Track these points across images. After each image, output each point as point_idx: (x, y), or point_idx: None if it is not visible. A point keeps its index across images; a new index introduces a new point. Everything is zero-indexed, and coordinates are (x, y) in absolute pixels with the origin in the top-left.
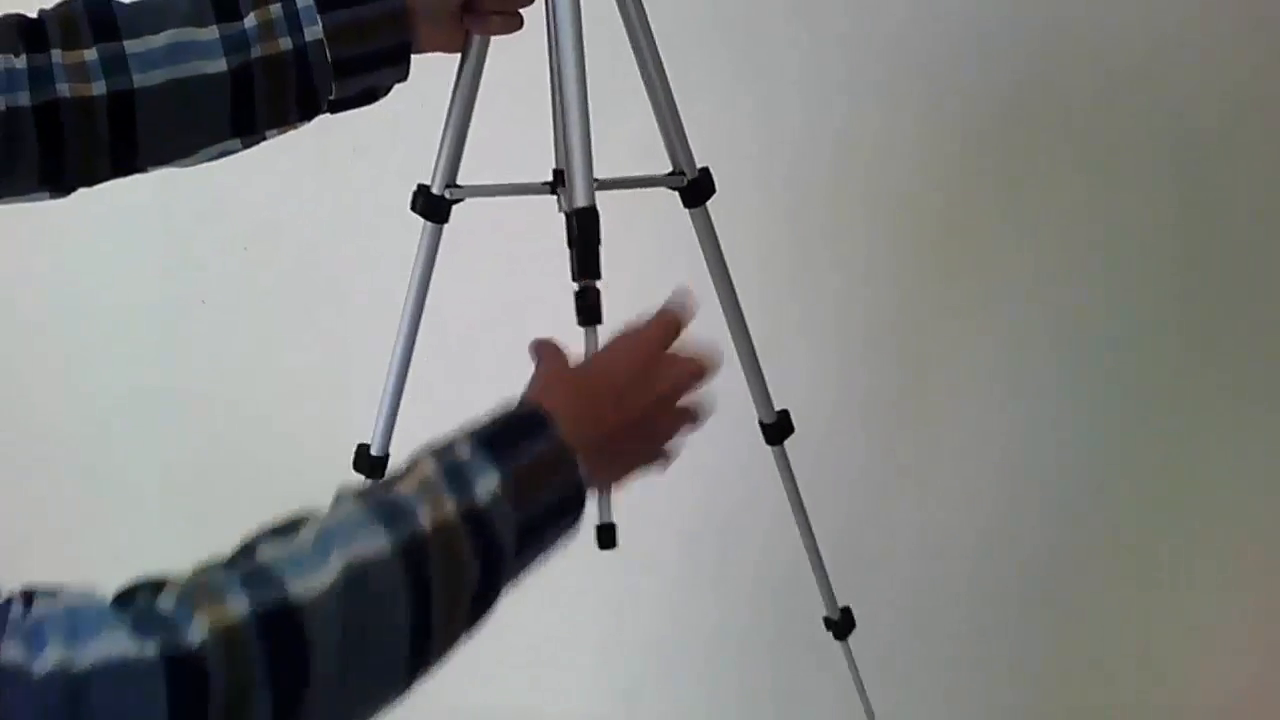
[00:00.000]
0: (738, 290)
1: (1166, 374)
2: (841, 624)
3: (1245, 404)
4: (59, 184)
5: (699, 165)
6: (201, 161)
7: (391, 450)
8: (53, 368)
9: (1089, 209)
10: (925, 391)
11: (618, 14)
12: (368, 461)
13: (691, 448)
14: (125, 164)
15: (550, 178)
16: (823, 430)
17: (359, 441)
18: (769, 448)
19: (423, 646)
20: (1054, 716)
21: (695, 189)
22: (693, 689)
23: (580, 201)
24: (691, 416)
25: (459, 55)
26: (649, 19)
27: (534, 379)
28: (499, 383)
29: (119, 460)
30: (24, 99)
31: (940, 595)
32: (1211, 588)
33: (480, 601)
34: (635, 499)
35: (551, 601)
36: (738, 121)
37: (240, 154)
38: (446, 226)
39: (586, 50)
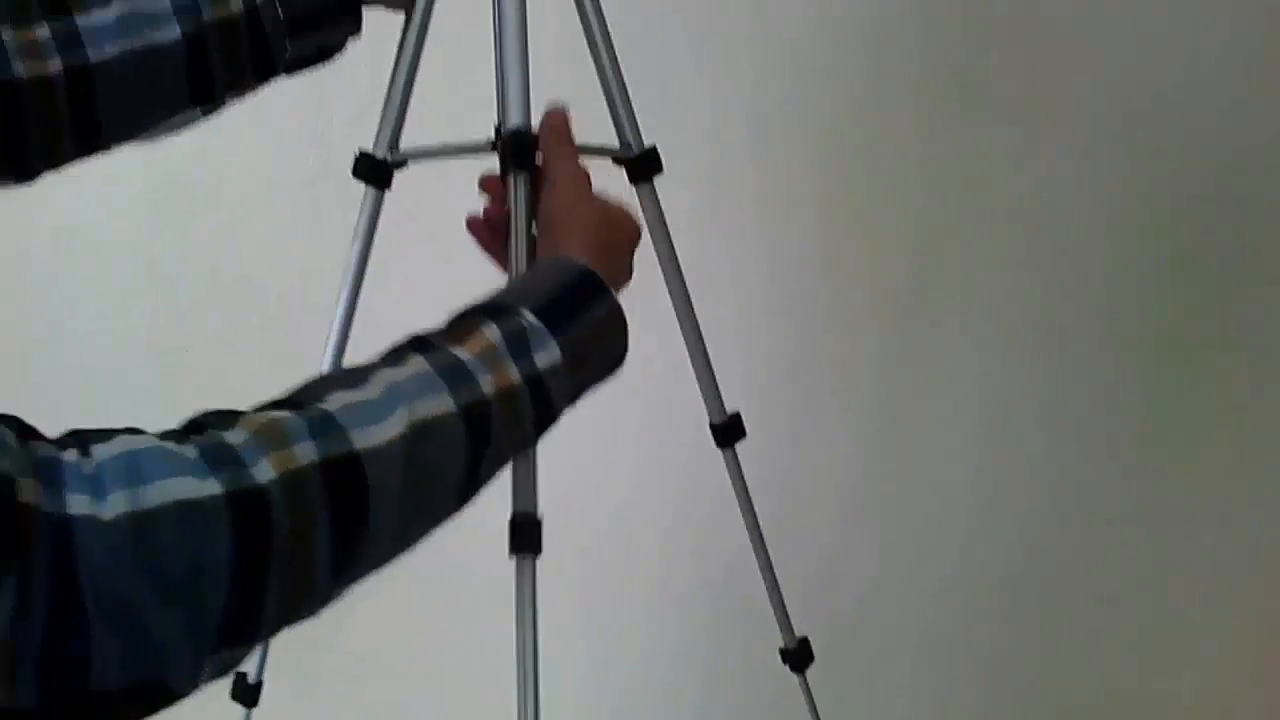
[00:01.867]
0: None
1: (1151, 402)
2: (799, 654)
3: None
4: (23, 169)
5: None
6: (164, 134)
7: None
8: (38, 415)
9: (1072, 209)
10: (893, 396)
11: None
12: None
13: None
14: (89, 143)
15: (493, 135)
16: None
17: None
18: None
19: (468, 490)
20: None
21: (641, 164)
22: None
23: (514, 120)
24: None
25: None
26: None
27: (556, 223)
28: None
29: None
30: None
31: (905, 623)
32: (1192, 636)
33: (525, 449)
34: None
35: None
36: (691, 105)
37: (228, 206)
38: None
39: (536, 15)
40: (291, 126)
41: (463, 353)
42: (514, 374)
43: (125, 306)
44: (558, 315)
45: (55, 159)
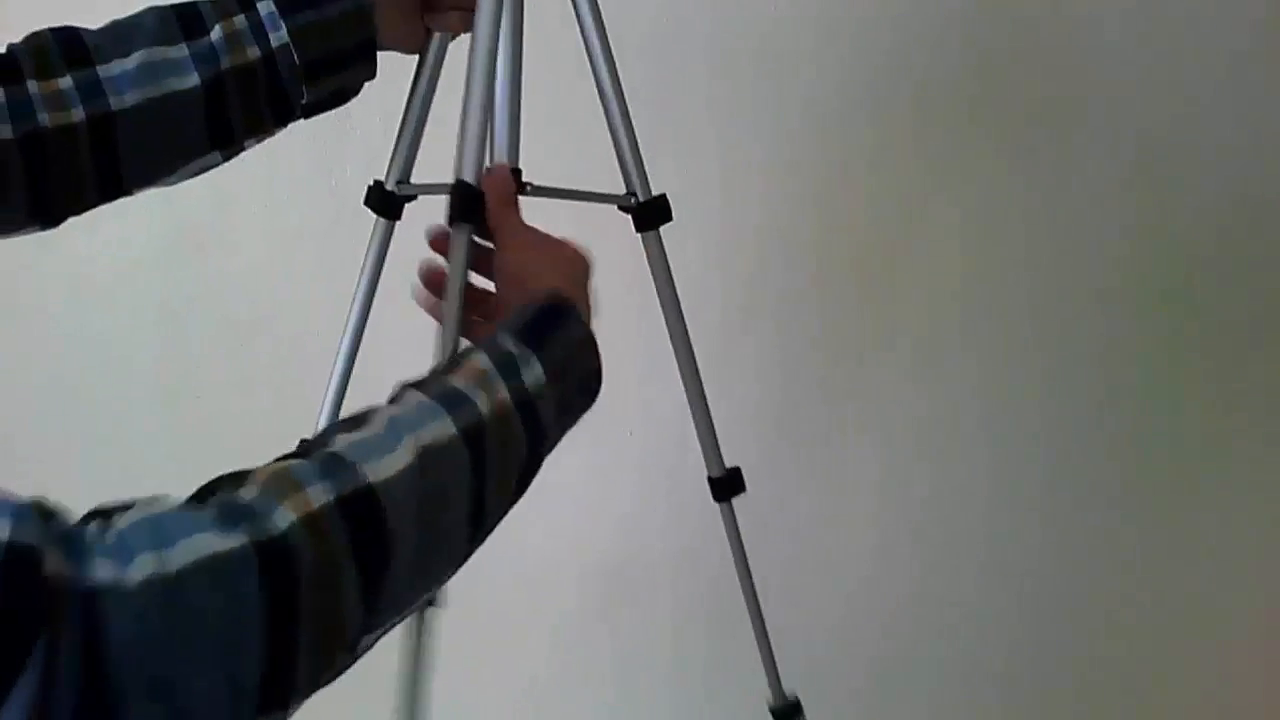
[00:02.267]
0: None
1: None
2: (788, 714)
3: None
4: (48, 215)
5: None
6: (185, 178)
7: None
8: (47, 462)
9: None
10: (888, 446)
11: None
12: None
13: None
14: (111, 188)
15: None
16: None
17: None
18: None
19: (479, 518)
20: None
21: (646, 212)
22: None
23: (464, 174)
24: None
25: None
26: (608, 35)
27: (518, 276)
28: None
29: None
30: (6, 132)
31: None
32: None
33: (525, 474)
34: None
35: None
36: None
37: (240, 251)
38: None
39: (551, 61)
40: (305, 173)
41: (456, 380)
42: (505, 394)
43: (136, 350)
44: (536, 338)
45: (78, 204)
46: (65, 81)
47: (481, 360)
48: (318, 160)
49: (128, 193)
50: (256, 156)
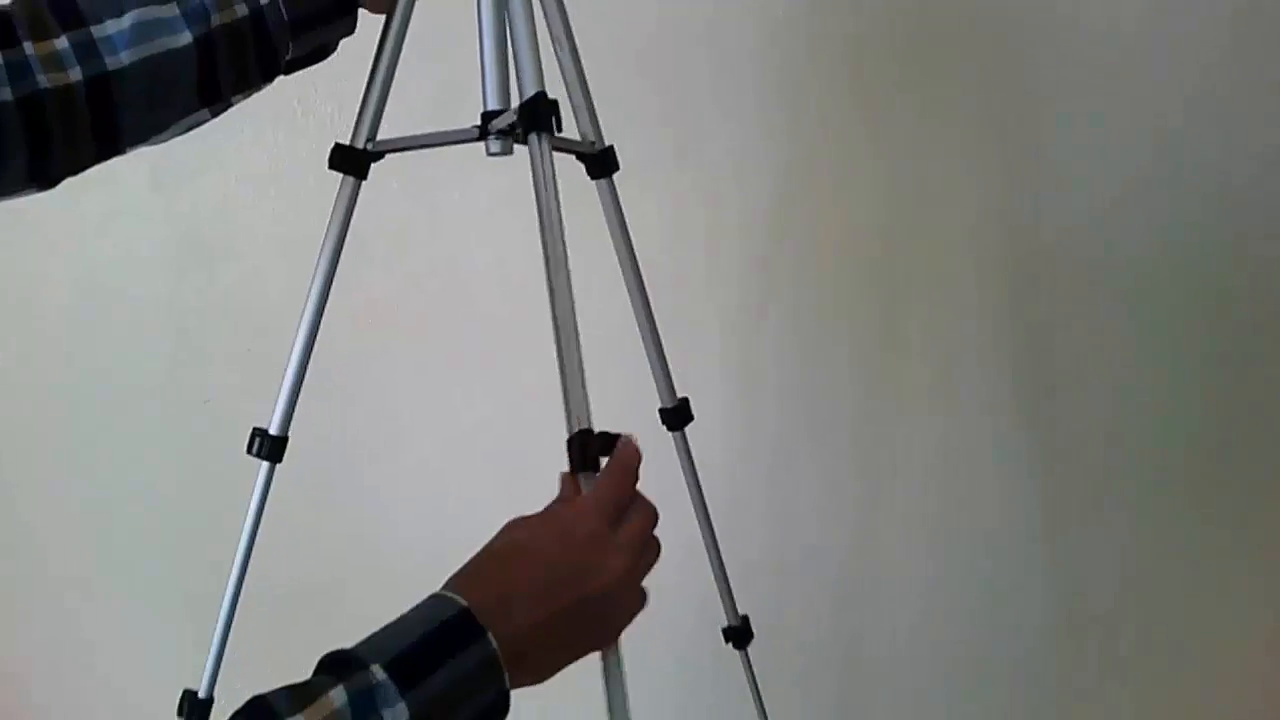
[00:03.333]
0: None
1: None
2: (741, 631)
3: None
4: (45, 177)
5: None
6: (173, 137)
7: (291, 434)
8: (53, 467)
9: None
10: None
11: None
12: (267, 443)
13: None
14: (107, 148)
15: (479, 122)
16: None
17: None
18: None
19: None
20: None
21: (602, 160)
22: None
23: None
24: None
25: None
26: None
27: (512, 544)
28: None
29: (121, 559)
30: (6, 94)
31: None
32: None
33: None
34: None
35: None
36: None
37: (247, 258)
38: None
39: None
40: (311, 182)
41: None
42: None
43: (144, 357)
44: (413, 669)
45: (75, 165)
46: (61, 42)
47: (338, 695)
48: (322, 167)
49: (121, 152)
50: (261, 161)
